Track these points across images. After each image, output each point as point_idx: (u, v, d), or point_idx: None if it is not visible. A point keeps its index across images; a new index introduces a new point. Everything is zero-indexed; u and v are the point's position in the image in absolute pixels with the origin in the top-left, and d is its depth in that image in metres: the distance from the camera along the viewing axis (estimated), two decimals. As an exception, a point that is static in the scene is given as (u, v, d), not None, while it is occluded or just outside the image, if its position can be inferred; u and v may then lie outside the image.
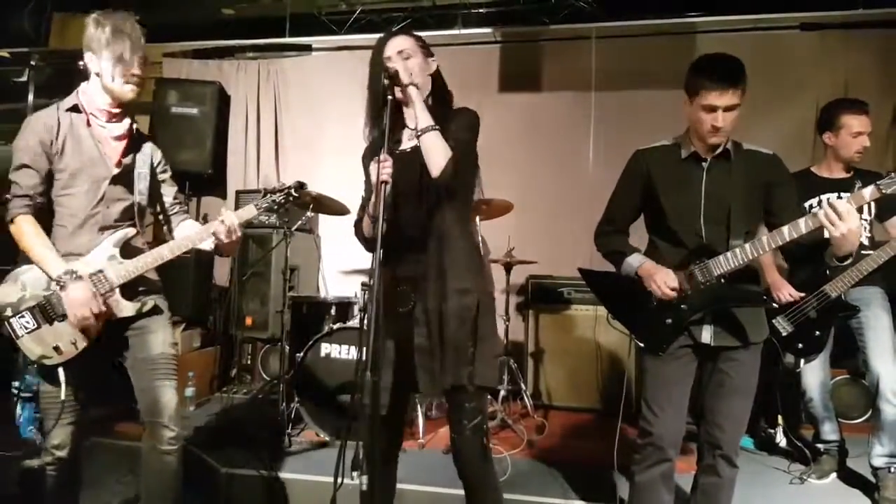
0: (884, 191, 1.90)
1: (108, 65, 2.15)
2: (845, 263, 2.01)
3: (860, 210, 2.90)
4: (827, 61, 4.56)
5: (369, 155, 2.11)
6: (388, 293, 1.92)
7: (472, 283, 2.04)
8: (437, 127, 1.92)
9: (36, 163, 2.13)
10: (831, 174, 3.05)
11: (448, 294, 1.99)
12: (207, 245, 2.27)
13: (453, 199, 2.00)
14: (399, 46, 2.03)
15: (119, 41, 2.13)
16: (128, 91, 2.19)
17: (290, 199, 2.32)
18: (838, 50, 4.55)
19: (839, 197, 2.91)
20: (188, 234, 2.28)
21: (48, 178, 2.16)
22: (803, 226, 1.94)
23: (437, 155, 1.90)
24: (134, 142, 2.31)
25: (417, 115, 1.94)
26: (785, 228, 1.97)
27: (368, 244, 2.11)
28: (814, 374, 3.10)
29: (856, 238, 1.88)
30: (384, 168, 1.81)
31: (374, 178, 1.84)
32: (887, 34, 4.48)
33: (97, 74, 2.18)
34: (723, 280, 2.10)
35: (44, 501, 2.23)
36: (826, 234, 1.90)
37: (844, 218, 1.83)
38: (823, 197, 3.00)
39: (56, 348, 2.11)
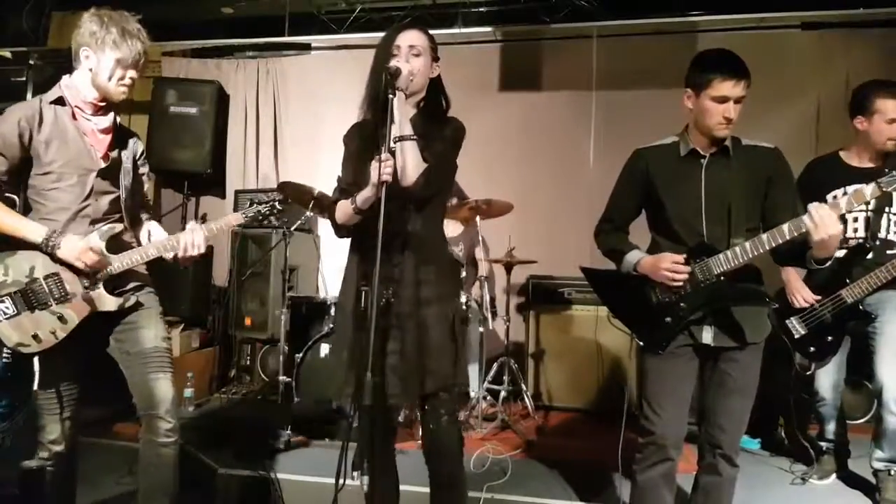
0: (884, 189, 1.89)
1: (108, 65, 2.13)
2: (825, 266, 1.99)
3: (889, 202, 2.86)
4: (828, 61, 4.56)
5: (355, 137, 2.12)
6: (357, 292, 1.96)
7: (450, 288, 2.09)
8: (414, 137, 1.92)
9: (6, 150, 2.10)
10: (861, 163, 2.90)
11: (426, 300, 2.00)
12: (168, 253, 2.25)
13: (427, 205, 2.02)
14: (412, 41, 2.01)
15: (127, 45, 2.12)
16: (120, 93, 2.19)
17: (275, 210, 2.37)
18: (839, 49, 4.54)
19: None
20: (176, 235, 2.27)
21: (17, 169, 2.13)
22: (801, 224, 1.92)
23: (409, 167, 1.92)
24: (119, 135, 2.30)
25: (397, 121, 1.92)
26: (785, 226, 1.95)
27: (340, 230, 2.11)
28: (828, 376, 3.04)
29: (836, 244, 1.90)
30: (385, 167, 1.80)
31: (373, 178, 1.83)
32: (888, 33, 4.47)
33: (90, 70, 2.15)
34: (722, 279, 2.09)
35: (43, 498, 2.21)
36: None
37: (826, 222, 1.84)
38: (850, 188, 2.80)
39: (35, 336, 2.10)
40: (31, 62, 5.13)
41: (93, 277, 2.15)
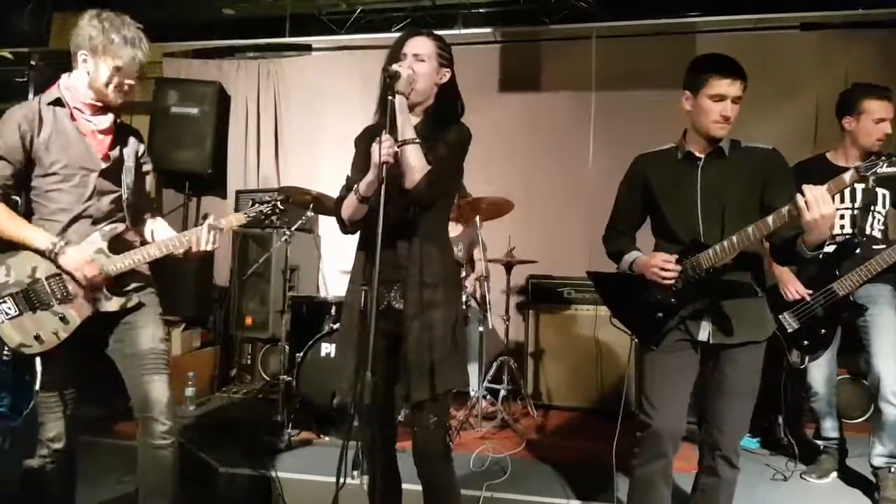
0: (862, 174, 1.86)
1: (106, 70, 2.12)
2: (817, 253, 1.95)
3: (875, 201, 2.89)
4: (827, 61, 4.57)
5: (364, 138, 2.12)
6: (361, 293, 1.97)
7: (452, 291, 2.09)
8: (416, 140, 1.94)
9: (11, 154, 2.10)
10: (847, 162, 2.89)
11: (428, 303, 2.00)
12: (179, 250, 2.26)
13: (431, 208, 2.02)
14: (416, 49, 2.03)
15: (126, 52, 2.11)
16: (118, 98, 2.18)
17: (276, 211, 2.40)
18: (838, 50, 4.55)
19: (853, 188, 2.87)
20: (177, 234, 2.28)
21: (22, 171, 2.13)
22: (786, 213, 1.92)
23: (411, 169, 1.93)
24: (120, 134, 2.29)
25: (399, 125, 1.94)
26: (770, 217, 1.96)
27: (345, 226, 2.12)
28: (820, 370, 3.07)
29: (828, 226, 1.85)
30: (385, 148, 1.81)
31: (374, 158, 1.85)
32: (887, 34, 4.48)
33: (87, 73, 2.14)
34: (713, 272, 2.11)
35: (43, 496, 2.22)
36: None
37: (818, 201, 1.81)
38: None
39: (37, 337, 2.10)
40: (33, 63, 5.13)
41: (92, 289, 2.14)
